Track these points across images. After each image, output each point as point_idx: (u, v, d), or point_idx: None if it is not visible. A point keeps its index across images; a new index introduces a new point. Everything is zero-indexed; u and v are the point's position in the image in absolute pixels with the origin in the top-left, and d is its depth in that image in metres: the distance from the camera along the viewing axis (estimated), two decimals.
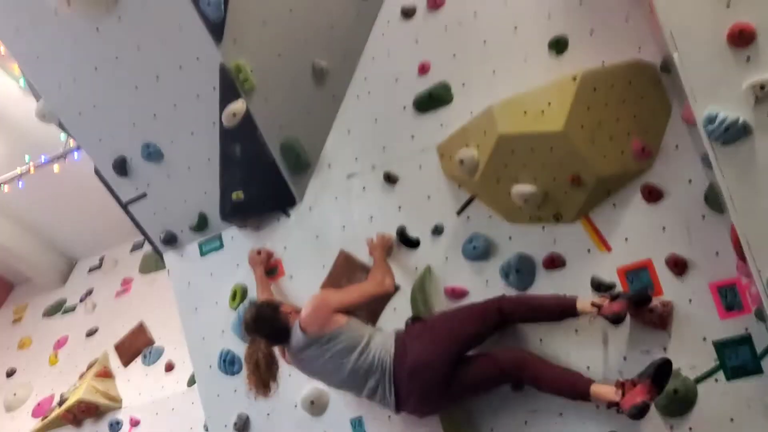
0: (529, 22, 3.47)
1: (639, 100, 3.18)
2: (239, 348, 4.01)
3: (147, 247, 7.11)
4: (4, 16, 3.58)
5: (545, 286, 3.42)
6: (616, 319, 3.02)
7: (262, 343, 3.24)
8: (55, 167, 6.49)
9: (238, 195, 3.90)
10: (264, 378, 3.23)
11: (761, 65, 2.41)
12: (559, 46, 3.41)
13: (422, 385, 3.20)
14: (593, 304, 3.08)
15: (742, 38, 2.41)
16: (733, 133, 2.46)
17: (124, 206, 4.20)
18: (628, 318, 3.19)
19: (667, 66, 3.12)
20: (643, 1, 3.12)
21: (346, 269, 3.80)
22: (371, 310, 3.65)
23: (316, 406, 3.85)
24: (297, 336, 3.30)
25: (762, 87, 2.41)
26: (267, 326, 3.30)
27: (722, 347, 3.06)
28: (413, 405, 3.28)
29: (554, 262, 3.40)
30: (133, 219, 4.26)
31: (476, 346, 3.38)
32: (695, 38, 2.49)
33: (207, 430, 4.40)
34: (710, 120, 2.49)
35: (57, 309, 7.64)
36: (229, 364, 4.08)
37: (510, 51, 3.52)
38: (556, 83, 3.15)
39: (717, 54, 2.46)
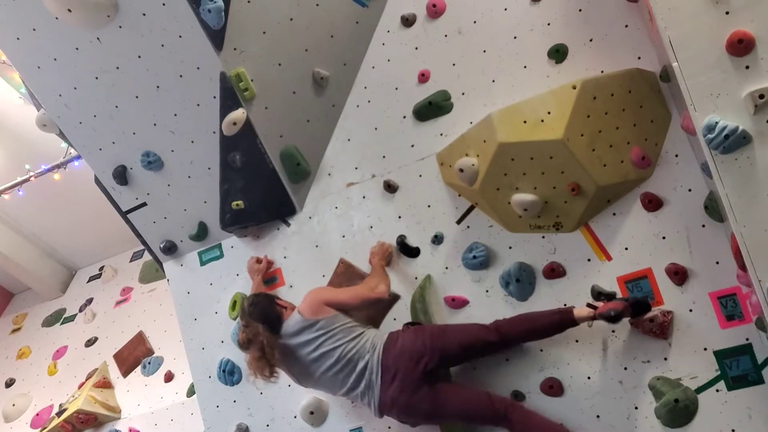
0: (529, 31, 3.48)
1: (638, 108, 3.18)
2: (239, 358, 4.00)
3: (147, 257, 7.13)
4: (5, 25, 3.58)
5: (545, 295, 3.42)
6: (614, 316, 2.99)
7: (261, 327, 3.26)
8: (56, 176, 6.49)
9: (237, 204, 3.91)
10: (270, 360, 3.23)
11: (760, 73, 2.42)
12: (558, 54, 3.42)
13: (404, 369, 3.20)
14: (589, 305, 3.09)
15: (741, 46, 2.41)
16: (733, 142, 2.47)
17: (124, 215, 4.20)
18: (628, 328, 3.19)
19: (667, 74, 3.12)
20: (642, 9, 3.13)
21: (345, 278, 3.79)
22: (371, 317, 3.64)
23: (315, 417, 3.83)
24: (293, 320, 3.34)
25: (761, 95, 2.41)
26: (262, 311, 3.33)
27: (723, 357, 3.05)
28: (395, 392, 3.22)
29: (554, 272, 3.40)
30: (133, 228, 4.26)
31: (467, 358, 3.41)
32: (694, 46, 2.49)
33: None
34: (710, 128, 2.49)
35: (56, 319, 7.63)
36: (228, 374, 4.06)
37: (509, 59, 3.53)
38: (556, 92, 3.15)
39: (716, 62, 2.47)
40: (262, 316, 3.31)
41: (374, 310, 3.65)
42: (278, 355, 3.31)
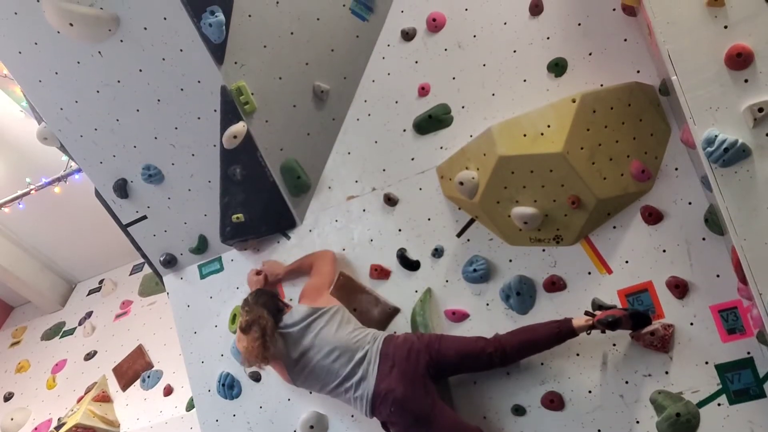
0: (528, 45, 3.50)
1: (638, 122, 3.19)
2: (239, 372, 3.99)
3: (147, 270, 7.13)
4: (7, 38, 3.60)
5: (546, 308, 3.41)
6: (611, 322, 2.99)
7: (265, 312, 3.35)
8: (56, 189, 6.50)
9: (238, 217, 3.91)
10: (269, 344, 3.29)
11: (759, 87, 2.43)
12: (558, 68, 3.43)
13: (405, 360, 3.23)
14: (587, 313, 3.10)
15: (740, 60, 2.42)
16: (732, 155, 2.47)
17: (125, 228, 4.20)
18: (629, 341, 3.19)
19: (666, 88, 3.13)
20: (641, 23, 3.14)
21: (346, 291, 3.78)
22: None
23: (315, 431, 3.80)
24: (295, 310, 3.48)
25: (760, 109, 2.42)
26: (265, 301, 3.44)
27: (724, 370, 3.04)
28: (393, 382, 3.20)
29: (555, 285, 3.39)
30: (133, 241, 4.25)
31: (465, 368, 3.38)
32: (693, 60, 2.50)
33: None
34: (709, 142, 2.50)
35: (56, 332, 7.61)
36: (228, 388, 4.04)
37: (509, 73, 3.54)
38: (556, 105, 3.16)
39: (715, 76, 2.48)
40: (265, 304, 3.41)
41: (374, 324, 3.65)
42: (276, 344, 3.35)
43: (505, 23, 3.56)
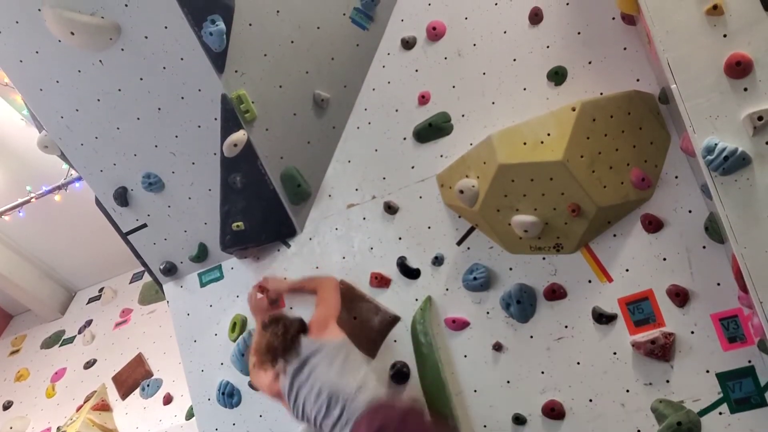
0: (528, 54, 3.51)
1: (638, 130, 3.19)
2: (238, 380, 3.99)
3: (146, 278, 7.13)
4: (8, 47, 3.61)
5: (546, 316, 3.40)
6: None
7: (291, 318, 3.37)
8: (56, 197, 6.51)
9: (238, 225, 3.91)
10: (284, 347, 3.25)
11: (759, 96, 2.43)
12: (557, 76, 3.43)
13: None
14: None
15: (739, 69, 2.42)
16: (732, 163, 2.47)
17: (125, 236, 4.20)
18: (630, 350, 3.18)
19: (666, 96, 3.14)
20: (640, 32, 3.15)
21: (347, 300, 3.77)
22: (371, 339, 3.63)
23: None
24: (305, 343, 3.27)
25: (760, 117, 2.42)
26: (292, 318, 3.41)
27: (726, 379, 3.04)
28: None
29: (555, 293, 3.39)
30: (133, 249, 4.25)
31: None
32: (693, 69, 2.50)
33: None
34: (709, 150, 2.50)
35: (55, 340, 7.61)
36: (228, 396, 4.03)
37: (509, 81, 3.55)
38: (555, 113, 3.16)
39: (715, 84, 2.48)
40: (291, 319, 3.40)
41: (374, 332, 3.65)
42: (294, 351, 3.25)
43: (504, 32, 3.57)
